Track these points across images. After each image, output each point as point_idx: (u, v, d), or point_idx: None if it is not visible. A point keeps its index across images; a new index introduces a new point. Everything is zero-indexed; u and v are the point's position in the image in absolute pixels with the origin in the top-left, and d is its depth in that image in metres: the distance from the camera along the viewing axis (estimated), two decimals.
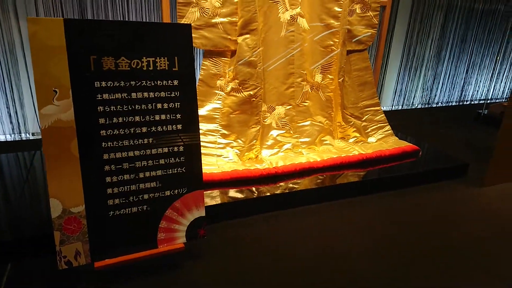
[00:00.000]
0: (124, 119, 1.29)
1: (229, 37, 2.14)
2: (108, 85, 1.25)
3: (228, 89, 2.19)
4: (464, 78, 4.10)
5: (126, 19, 2.52)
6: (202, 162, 2.03)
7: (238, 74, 2.16)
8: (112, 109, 1.27)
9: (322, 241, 1.72)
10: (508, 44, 4.13)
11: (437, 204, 2.12)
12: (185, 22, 2.03)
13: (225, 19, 2.11)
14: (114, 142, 1.29)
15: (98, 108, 1.25)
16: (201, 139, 2.13)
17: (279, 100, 2.37)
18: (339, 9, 2.29)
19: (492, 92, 4.43)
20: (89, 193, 1.28)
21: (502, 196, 2.25)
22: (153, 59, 1.31)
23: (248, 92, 2.19)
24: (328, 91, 2.48)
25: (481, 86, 4.27)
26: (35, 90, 1.17)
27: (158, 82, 1.32)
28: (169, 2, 2.01)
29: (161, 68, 1.32)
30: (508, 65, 4.31)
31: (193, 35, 2.06)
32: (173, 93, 1.35)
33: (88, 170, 1.27)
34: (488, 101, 4.37)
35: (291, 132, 2.40)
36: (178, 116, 1.37)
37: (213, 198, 1.88)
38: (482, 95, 4.37)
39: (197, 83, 2.19)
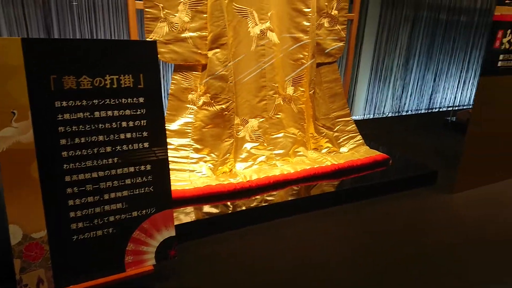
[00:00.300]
0: (87, 139, 1.25)
1: (199, 51, 2.13)
2: (70, 104, 1.22)
3: (200, 103, 2.18)
4: (432, 86, 4.25)
5: (94, 36, 2.47)
6: (175, 178, 2.02)
7: (209, 88, 2.15)
8: (74, 129, 1.23)
9: (299, 253, 1.72)
10: (472, 53, 4.32)
11: (408, 212, 2.16)
12: (153, 37, 2.01)
13: (194, 34, 2.11)
14: (77, 163, 1.24)
15: (59, 128, 1.21)
16: (173, 155, 2.11)
17: (252, 113, 2.38)
18: (308, 23, 2.34)
19: (460, 99, 4.61)
20: (51, 217, 1.22)
21: (470, 202, 2.32)
22: (117, 76, 1.28)
23: (220, 106, 2.18)
24: (300, 103, 2.50)
25: (448, 93, 4.44)
26: None
27: (123, 100, 1.29)
28: (136, 18, 1.99)
29: (125, 85, 1.30)
30: (473, 73, 4.50)
31: (162, 49, 2.06)
32: (139, 110, 1.32)
33: (50, 193, 1.22)
34: (456, 108, 4.54)
35: (265, 144, 2.41)
36: (145, 133, 1.34)
37: (187, 214, 1.84)
38: (450, 102, 4.53)
39: (167, 98, 2.17)
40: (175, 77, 2.15)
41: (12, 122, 1.15)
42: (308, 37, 2.36)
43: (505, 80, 2.19)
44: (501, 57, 2.11)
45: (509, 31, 2.07)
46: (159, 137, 1.36)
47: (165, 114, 2.14)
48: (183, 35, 2.08)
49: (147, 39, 2.01)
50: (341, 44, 2.60)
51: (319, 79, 2.60)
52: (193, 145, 2.17)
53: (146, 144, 1.34)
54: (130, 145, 1.31)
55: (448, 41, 4.09)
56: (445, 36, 4.06)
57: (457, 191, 2.39)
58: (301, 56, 2.41)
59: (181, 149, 2.14)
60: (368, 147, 2.69)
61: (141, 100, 1.33)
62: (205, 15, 2.09)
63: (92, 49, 1.23)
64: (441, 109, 4.46)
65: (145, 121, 1.33)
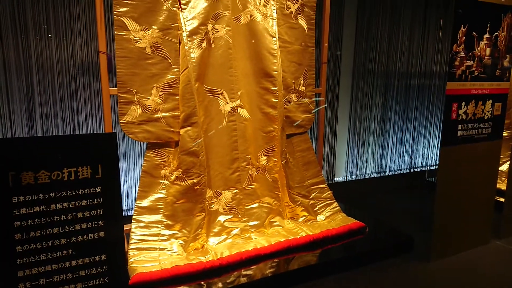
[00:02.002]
0: (42, 232, 1.27)
1: (172, 129, 2.24)
2: (26, 199, 1.26)
3: (173, 177, 2.23)
4: (411, 147, 4.36)
5: (75, 118, 2.61)
6: (143, 258, 2.00)
7: (181, 163, 2.22)
8: (29, 223, 1.26)
9: None
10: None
11: (386, 285, 2.11)
12: (127, 119, 2.12)
13: (167, 114, 2.22)
14: (30, 257, 1.26)
15: (15, 223, 1.24)
16: (143, 233, 2.11)
17: (225, 185, 2.42)
18: (276, 100, 2.48)
19: None
20: None
21: (447, 271, 2.28)
22: (75, 169, 1.34)
23: (192, 180, 2.23)
24: (273, 172, 2.56)
25: (429, 153, 4.54)
26: None
27: (80, 190, 1.34)
28: (110, 103, 2.11)
29: (83, 176, 1.36)
30: None
31: (135, 130, 2.16)
32: (95, 200, 1.37)
33: None
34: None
35: (239, 216, 2.42)
36: (101, 223, 1.37)
37: None
38: (432, 161, 4.62)
39: (140, 175, 2.22)
40: (148, 154, 2.23)
41: None
42: (276, 112, 2.49)
43: (466, 148, 2.28)
44: (459, 127, 2.22)
45: (463, 103, 2.19)
46: (115, 225, 1.39)
47: (137, 191, 2.18)
48: (156, 115, 2.20)
49: (120, 121, 2.12)
50: (310, 115, 2.73)
51: (291, 149, 2.69)
52: (164, 221, 2.18)
53: (102, 234, 1.36)
54: (85, 236, 1.33)
55: (422, 104, 4.29)
56: (419, 100, 4.26)
57: (434, 259, 2.35)
58: (272, 129, 2.52)
59: (152, 226, 2.15)
60: (344, 215, 2.69)
61: (98, 189, 1.38)
62: (177, 97, 2.22)
63: (51, 145, 1.31)
64: (423, 168, 4.53)
65: (101, 210, 1.37)
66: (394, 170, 4.34)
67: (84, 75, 2.65)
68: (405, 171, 4.39)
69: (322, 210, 2.70)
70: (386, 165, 4.26)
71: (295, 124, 2.67)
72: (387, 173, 4.29)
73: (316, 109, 2.80)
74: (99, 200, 1.36)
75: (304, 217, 2.61)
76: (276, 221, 2.51)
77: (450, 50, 2.04)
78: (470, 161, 2.34)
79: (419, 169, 4.45)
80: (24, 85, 2.49)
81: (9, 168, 1.23)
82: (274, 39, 2.46)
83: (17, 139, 1.27)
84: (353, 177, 4.06)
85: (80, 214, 1.32)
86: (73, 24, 2.56)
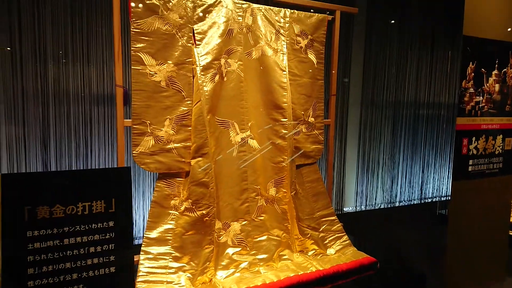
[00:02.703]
0: (54, 267, 1.28)
1: (183, 159, 2.27)
2: (41, 233, 1.28)
3: (182, 208, 2.24)
4: (422, 178, 4.33)
5: (88, 147, 2.66)
6: None
7: (191, 194, 2.23)
8: (42, 257, 1.27)
9: None
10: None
11: None
12: (140, 150, 2.16)
13: (179, 144, 2.26)
14: None
15: (28, 257, 1.25)
16: (151, 265, 2.09)
17: (234, 216, 2.42)
18: (285, 131, 2.51)
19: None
20: None
21: None
22: (89, 203, 1.36)
23: (201, 212, 2.23)
24: (283, 203, 2.55)
25: (439, 184, 4.49)
26: None
27: (93, 225, 1.36)
28: (123, 134, 2.16)
29: (97, 211, 1.37)
30: None
31: (147, 160, 2.19)
32: (107, 234, 1.38)
33: None
34: (450, 198, 4.54)
35: (248, 248, 2.39)
36: (112, 258, 1.37)
37: None
38: (443, 192, 4.56)
39: (149, 204, 2.23)
40: (158, 184, 2.25)
41: None
42: (286, 143, 2.51)
43: (477, 183, 2.25)
44: (470, 162, 2.21)
45: (474, 138, 2.19)
46: (126, 261, 1.39)
47: (147, 222, 2.19)
48: (168, 146, 2.23)
49: (133, 152, 2.16)
50: (319, 146, 2.75)
51: (301, 179, 2.69)
52: (172, 253, 2.16)
53: (112, 269, 1.36)
54: (96, 271, 1.34)
55: (431, 134, 4.29)
56: (428, 130, 4.26)
57: None
58: (281, 159, 2.54)
59: (160, 258, 2.13)
60: (355, 249, 2.65)
61: (111, 224, 1.39)
62: (189, 128, 2.27)
63: (67, 180, 1.34)
64: (434, 199, 4.46)
65: (113, 244, 1.38)
66: (404, 201, 4.29)
67: (99, 104, 2.73)
68: (415, 202, 4.33)
69: (332, 243, 2.66)
70: (396, 196, 4.22)
71: (305, 154, 2.68)
72: (397, 204, 4.24)
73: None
74: (111, 235, 1.37)
75: (314, 251, 2.57)
76: (285, 255, 2.47)
77: (459, 86, 2.06)
78: (482, 195, 2.31)
79: (429, 200, 4.39)
80: (40, 112, 2.57)
81: (25, 202, 1.26)
82: (284, 72, 2.52)
83: (34, 173, 1.30)
84: (363, 207, 4.02)
85: (92, 249, 1.33)
86: (90, 55, 2.66)
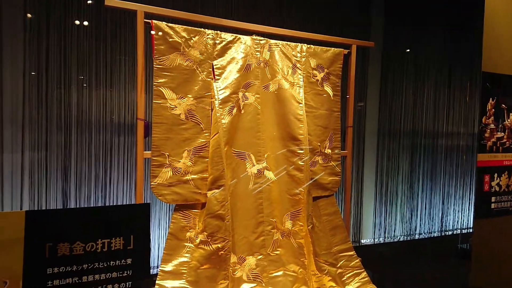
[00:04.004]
0: None
1: (199, 191, 2.28)
2: (61, 270, 1.29)
3: (197, 241, 2.23)
4: (442, 209, 4.20)
5: (107, 176, 2.71)
6: None
7: (207, 226, 2.23)
8: None
9: None
10: None
11: None
12: (158, 181, 2.19)
13: (196, 176, 2.28)
14: None
15: None
16: None
17: (249, 250, 2.39)
18: (302, 163, 2.51)
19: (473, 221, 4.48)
20: None
21: None
22: (109, 240, 1.38)
23: (217, 245, 2.22)
24: (299, 237, 2.51)
25: (460, 216, 4.34)
26: None
27: (111, 262, 1.37)
28: (143, 165, 2.20)
29: (115, 248, 1.39)
30: None
31: (164, 192, 2.22)
32: (125, 272, 1.38)
33: None
34: (471, 230, 4.38)
35: (263, 284, 2.35)
36: None
37: None
38: (464, 224, 4.40)
39: (166, 237, 2.24)
40: (174, 216, 2.26)
41: None
42: (303, 174, 2.51)
43: (501, 221, 2.18)
44: (493, 199, 2.14)
45: (496, 175, 2.14)
46: None
47: (162, 254, 2.19)
48: (185, 177, 2.26)
49: (151, 184, 2.19)
50: (337, 178, 2.73)
51: (318, 212, 2.66)
52: (187, 287, 2.14)
53: None
54: None
55: (451, 165, 4.20)
56: (447, 160, 4.18)
57: None
58: (298, 191, 2.52)
59: None
60: (374, 286, 2.56)
61: (129, 261, 1.40)
62: (206, 159, 2.30)
63: (87, 216, 1.37)
64: (455, 231, 4.31)
65: (129, 283, 1.38)
66: (424, 233, 4.16)
67: (119, 134, 2.80)
68: (435, 234, 4.19)
69: (350, 280, 2.58)
70: (415, 228, 4.10)
71: (321, 186, 2.66)
72: (417, 236, 4.11)
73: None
74: (128, 273, 1.37)
75: None
76: None
77: (479, 122, 2.04)
78: (506, 233, 2.22)
79: (450, 233, 4.24)
80: (62, 140, 2.64)
81: (47, 239, 1.29)
82: (300, 105, 2.54)
83: (55, 210, 1.34)
84: (381, 240, 3.91)
85: (110, 287, 1.33)
86: (114, 84, 2.75)
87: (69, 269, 1.30)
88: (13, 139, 2.51)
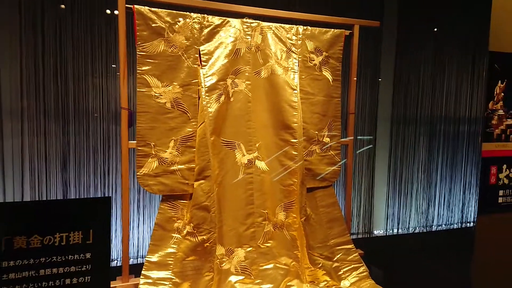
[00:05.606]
0: None
1: (186, 181, 2.24)
2: (17, 264, 1.29)
3: (184, 232, 2.20)
4: (462, 200, 3.92)
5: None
6: None
7: (193, 217, 2.19)
8: None
9: None
10: None
11: None
12: (143, 172, 2.17)
13: (183, 166, 2.24)
14: None
15: None
16: None
17: (238, 242, 2.33)
18: (295, 152, 2.38)
19: None
20: None
21: None
22: (67, 234, 1.36)
23: (202, 237, 2.18)
24: (292, 229, 2.42)
25: None
26: None
27: (69, 256, 1.35)
28: (128, 156, 2.18)
29: (74, 242, 1.37)
30: None
31: (150, 182, 2.19)
32: (84, 266, 1.37)
33: None
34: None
35: (252, 277, 2.29)
36: None
37: None
38: None
39: (153, 228, 2.22)
40: (162, 206, 2.23)
41: None
42: (296, 164, 2.39)
43: (508, 217, 1.96)
44: (500, 193, 1.93)
45: (504, 166, 1.92)
46: None
47: (149, 245, 2.18)
48: (172, 168, 2.22)
49: (137, 174, 2.17)
50: (336, 168, 2.58)
51: (314, 204, 2.54)
52: (172, 278, 2.13)
53: None
54: None
55: (474, 152, 3.88)
56: (469, 148, 3.87)
57: None
58: (291, 182, 2.41)
59: (159, 283, 2.10)
60: (373, 282, 2.42)
61: (88, 255, 1.38)
62: (193, 149, 2.24)
63: (45, 209, 1.35)
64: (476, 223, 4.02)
65: (89, 277, 1.36)
66: (443, 225, 3.91)
67: (117, 124, 2.79)
68: (455, 226, 3.93)
69: (347, 274, 2.46)
70: (433, 219, 3.86)
71: (319, 177, 2.53)
72: (434, 228, 3.88)
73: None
74: (87, 267, 1.36)
75: (325, 282, 2.40)
76: (293, 285, 2.32)
77: (484, 108, 1.82)
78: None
79: (471, 224, 3.96)
80: (60, 130, 2.66)
81: (4, 232, 1.29)
82: (295, 91, 2.41)
83: (11, 203, 1.33)
84: (395, 231, 3.72)
85: (68, 281, 1.32)
86: (109, 76, 2.73)
87: (25, 262, 1.30)
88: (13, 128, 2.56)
